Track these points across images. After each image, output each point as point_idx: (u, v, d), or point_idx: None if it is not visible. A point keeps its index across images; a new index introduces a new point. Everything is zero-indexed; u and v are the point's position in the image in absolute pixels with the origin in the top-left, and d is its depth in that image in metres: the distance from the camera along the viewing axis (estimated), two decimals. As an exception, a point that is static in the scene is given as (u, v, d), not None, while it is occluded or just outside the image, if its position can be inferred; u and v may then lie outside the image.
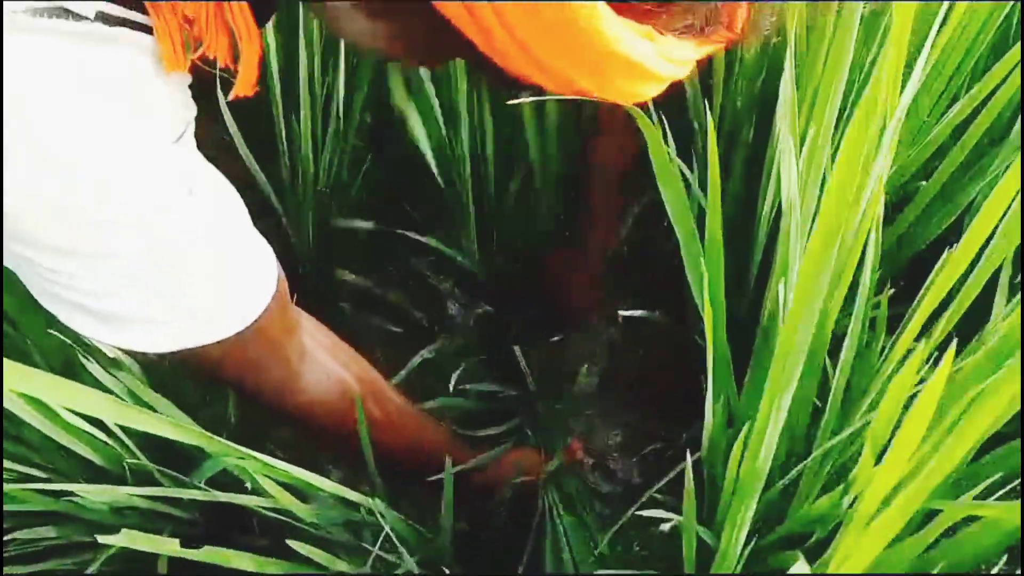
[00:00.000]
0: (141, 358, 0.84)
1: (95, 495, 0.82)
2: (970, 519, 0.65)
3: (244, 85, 0.53)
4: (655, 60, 0.44)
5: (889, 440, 0.58)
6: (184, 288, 0.58)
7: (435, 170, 1.03)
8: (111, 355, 0.78)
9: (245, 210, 0.62)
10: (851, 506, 0.63)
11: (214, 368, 0.66)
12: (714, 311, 0.63)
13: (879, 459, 0.58)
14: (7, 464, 0.84)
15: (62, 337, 0.77)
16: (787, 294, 0.64)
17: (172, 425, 0.63)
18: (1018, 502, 0.57)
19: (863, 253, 0.72)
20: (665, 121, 0.81)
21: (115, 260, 0.53)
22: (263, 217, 1.06)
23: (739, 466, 0.62)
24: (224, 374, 0.68)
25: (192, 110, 0.55)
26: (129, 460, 0.83)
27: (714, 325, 0.65)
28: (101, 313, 0.56)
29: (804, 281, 0.54)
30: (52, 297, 0.56)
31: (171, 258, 0.55)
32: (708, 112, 0.70)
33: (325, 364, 0.76)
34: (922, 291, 0.72)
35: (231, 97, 0.54)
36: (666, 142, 0.76)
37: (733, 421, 0.73)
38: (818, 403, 0.77)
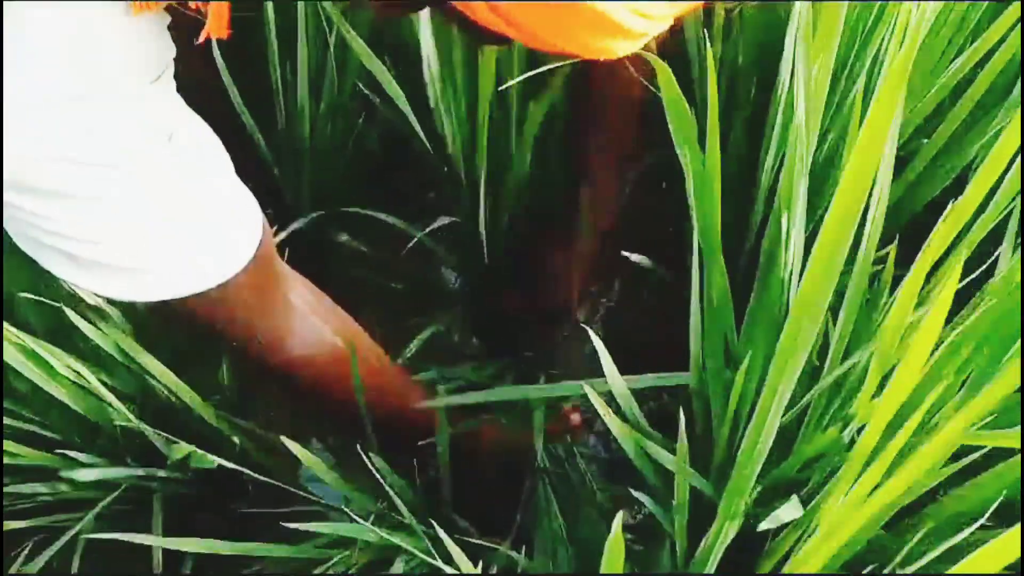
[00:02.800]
0: (130, 311, 0.84)
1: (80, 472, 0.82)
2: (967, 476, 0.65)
3: (214, 27, 0.51)
4: (624, 13, 0.43)
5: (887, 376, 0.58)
6: (163, 236, 0.57)
7: (423, 137, 1.02)
8: (91, 302, 0.77)
9: (228, 159, 0.62)
10: (850, 443, 0.63)
11: (196, 321, 0.65)
12: (711, 248, 0.63)
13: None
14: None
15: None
16: (790, 227, 0.64)
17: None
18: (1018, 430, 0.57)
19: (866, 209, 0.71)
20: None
21: (93, 204, 0.52)
22: (259, 175, 1.06)
23: (750, 407, 0.61)
24: (206, 327, 0.67)
25: (171, 51, 0.54)
26: (120, 414, 0.82)
27: (710, 263, 0.64)
28: (81, 259, 0.56)
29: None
30: (32, 242, 0.56)
31: (149, 204, 0.55)
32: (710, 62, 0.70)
33: (311, 321, 0.75)
34: (925, 246, 0.72)
35: (201, 39, 0.52)
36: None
37: (728, 363, 0.73)
38: (816, 362, 0.77)
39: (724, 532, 0.64)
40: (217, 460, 0.80)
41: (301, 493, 0.85)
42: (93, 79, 0.48)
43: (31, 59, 0.45)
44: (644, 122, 0.98)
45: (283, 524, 0.77)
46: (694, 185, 0.66)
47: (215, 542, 0.78)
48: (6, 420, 0.83)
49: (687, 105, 0.59)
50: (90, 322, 0.79)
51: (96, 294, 0.61)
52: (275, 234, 0.96)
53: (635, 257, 1.04)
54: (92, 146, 0.49)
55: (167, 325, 0.87)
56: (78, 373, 0.80)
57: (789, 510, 0.59)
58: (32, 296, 0.80)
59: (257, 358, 0.73)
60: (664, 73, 0.57)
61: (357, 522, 0.78)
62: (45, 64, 0.46)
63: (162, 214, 0.56)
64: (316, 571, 0.82)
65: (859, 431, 0.69)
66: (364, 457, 0.80)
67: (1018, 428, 0.64)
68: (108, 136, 0.50)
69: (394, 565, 0.80)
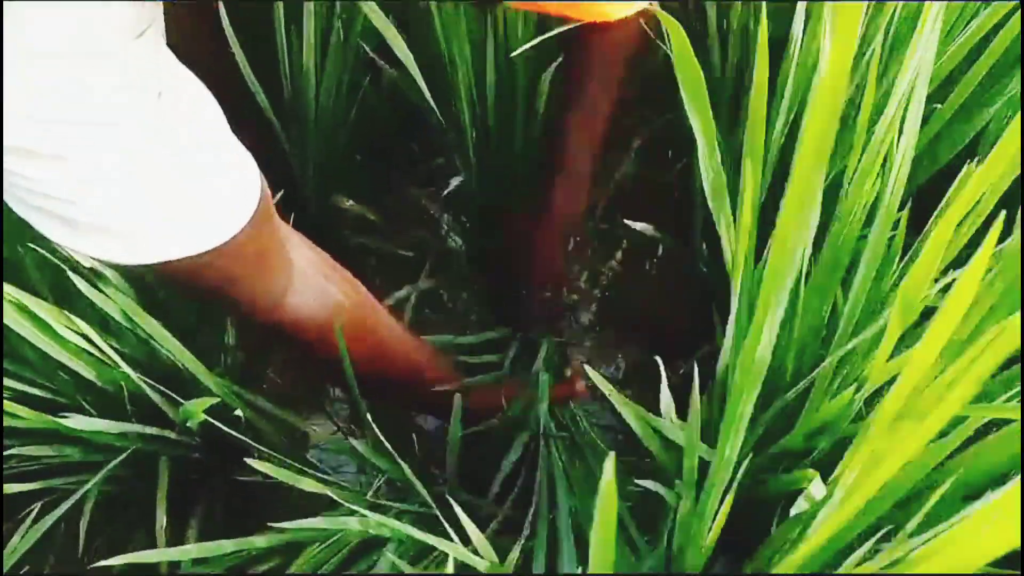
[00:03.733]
0: (133, 276, 0.83)
1: (87, 426, 0.82)
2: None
3: None
4: None
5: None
6: (156, 195, 0.56)
7: (431, 101, 1.01)
8: (87, 264, 0.77)
9: (223, 117, 0.60)
10: (858, 412, 0.63)
11: (195, 282, 0.64)
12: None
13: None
14: (6, 382, 0.83)
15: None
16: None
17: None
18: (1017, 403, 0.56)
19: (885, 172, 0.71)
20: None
21: (83, 163, 0.51)
22: (265, 140, 1.05)
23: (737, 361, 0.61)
24: (206, 289, 0.66)
25: (159, 7, 0.52)
26: (126, 377, 0.82)
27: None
28: (77, 222, 0.54)
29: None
30: (27, 205, 0.54)
31: (140, 163, 0.54)
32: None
33: (313, 281, 0.74)
34: (939, 209, 0.71)
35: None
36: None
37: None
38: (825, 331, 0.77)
39: (716, 488, 0.63)
40: (222, 427, 0.80)
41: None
42: (83, 37, 0.47)
43: (23, 22, 0.44)
44: (626, 104, 0.95)
45: (279, 512, 0.78)
46: (704, 149, 0.65)
47: (208, 544, 0.79)
48: (12, 383, 0.83)
49: (698, 66, 0.58)
50: (94, 286, 0.78)
51: (93, 258, 0.60)
52: (281, 200, 0.95)
53: (639, 225, 1.03)
54: (84, 106, 0.48)
55: (169, 290, 0.87)
56: (85, 337, 0.79)
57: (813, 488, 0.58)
58: (38, 259, 0.79)
59: (261, 320, 0.72)
60: (676, 33, 0.55)
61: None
62: (36, 25, 0.45)
63: (152, 172, 0.55)
64: (311, 550, 0.82)
65: (867, 400, 0.69)
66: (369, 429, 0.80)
67: (1018, 401, 0.64)
68: (100, 95, 0.49)
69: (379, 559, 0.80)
